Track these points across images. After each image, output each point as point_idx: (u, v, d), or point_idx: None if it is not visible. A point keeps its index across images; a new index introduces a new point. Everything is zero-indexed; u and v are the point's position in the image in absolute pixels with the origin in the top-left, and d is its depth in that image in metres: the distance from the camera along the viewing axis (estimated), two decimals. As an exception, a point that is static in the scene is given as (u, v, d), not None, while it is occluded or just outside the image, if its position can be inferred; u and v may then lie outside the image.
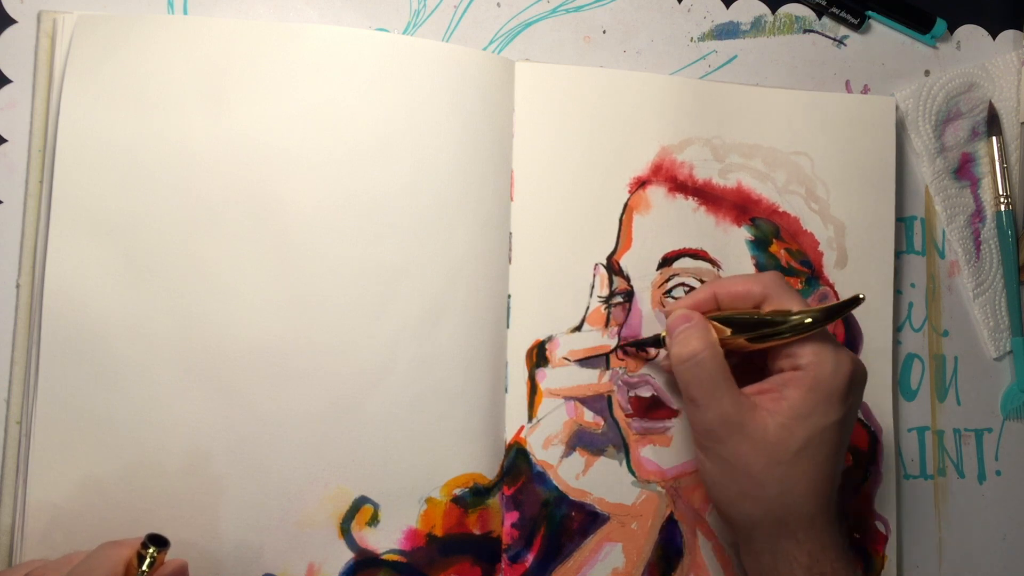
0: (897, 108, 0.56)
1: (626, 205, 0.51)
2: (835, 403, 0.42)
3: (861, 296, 0.43)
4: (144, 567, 0.38)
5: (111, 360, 0.44)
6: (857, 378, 0.44)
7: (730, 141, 0.53)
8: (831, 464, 0.43)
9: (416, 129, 0.47)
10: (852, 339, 0.53)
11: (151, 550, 0.38)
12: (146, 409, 0.44)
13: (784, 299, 0.44)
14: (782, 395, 0.43)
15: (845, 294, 0.53)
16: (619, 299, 0.50)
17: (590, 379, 0.50)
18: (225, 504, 0.44)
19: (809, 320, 0.43)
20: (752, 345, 0.44)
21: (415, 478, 0.46)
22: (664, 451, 0.50)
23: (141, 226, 0.44)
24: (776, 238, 0.53)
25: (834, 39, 0.57)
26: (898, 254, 0.56)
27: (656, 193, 0.51)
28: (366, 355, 0.46)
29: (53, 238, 0.44)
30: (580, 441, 0.49)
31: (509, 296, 0.49)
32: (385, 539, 0.46)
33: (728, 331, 0.44)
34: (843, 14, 0.56)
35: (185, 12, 0.48)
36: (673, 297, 0.51)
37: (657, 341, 0.48)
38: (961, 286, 0.57)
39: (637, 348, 0.50)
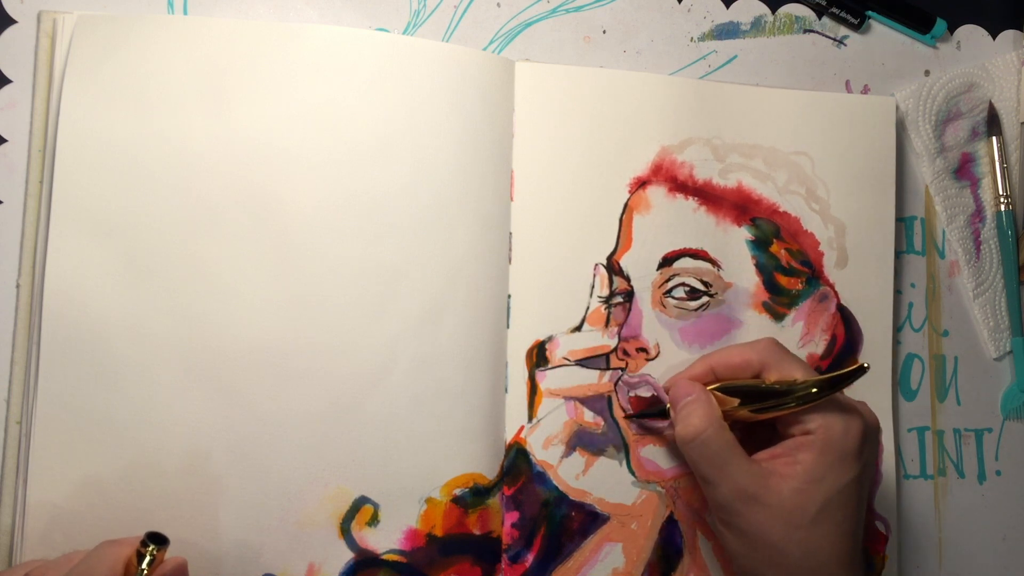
0: (897, 108, 0.56)
1: (626, 205, 0.51)
2: (849, 462, 0.42)
3: (866, 365, 0.43)
4: (144, 566, 0.38)
5: (111, 360, 0.44)
6: (869, 434, 0.43)
7: (730, 141, 0.53)
8: (851, 522, 0.42)
9: (416, 129, 0.47)
10: (852, 339, 0.53)
11: (151, 548, 0.38)
12: (146, 409, 0.44)
13: (784, 366, 0.44)
14: (795, 459, 0.42)
15: (846, 294, 0.53)
16: (619, 299, 0.50)
17: (590, 379, 0.50)
18: (225, 504, 0.44)
19: (815, 390, 0.43)
20: (757, 416, 0.44)
21: (415, 478, 0.46)
22: (664, 451, 0.50)
23: (141, 226, 0.44)
24: (776, 238, 0.53)
25: (834, 39, 0.57)
26: (898, 254, 0.56)
27: (656, 193, 0.51)
28: (366, 355, 0.46)
29: (53, 238, 0.44)
30: (580, 441, 0.49)
31: (509, 296, 0.49)
32: (385, 539, 0.46)
33: (735, 402, 0.44)
34: (843, 14, 0.56)
35: (185, 12, 0.48)
36: (673, 297, 0.51)
37: (663, 413, 0.47)
38: (961, 286, 0.57)
39: (641, 419, 0.49)
